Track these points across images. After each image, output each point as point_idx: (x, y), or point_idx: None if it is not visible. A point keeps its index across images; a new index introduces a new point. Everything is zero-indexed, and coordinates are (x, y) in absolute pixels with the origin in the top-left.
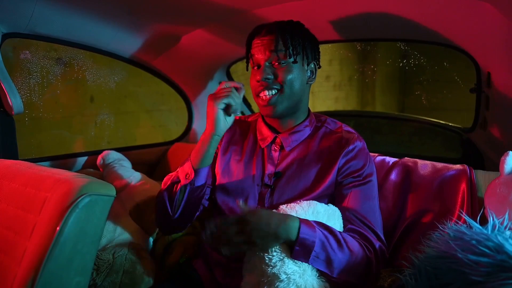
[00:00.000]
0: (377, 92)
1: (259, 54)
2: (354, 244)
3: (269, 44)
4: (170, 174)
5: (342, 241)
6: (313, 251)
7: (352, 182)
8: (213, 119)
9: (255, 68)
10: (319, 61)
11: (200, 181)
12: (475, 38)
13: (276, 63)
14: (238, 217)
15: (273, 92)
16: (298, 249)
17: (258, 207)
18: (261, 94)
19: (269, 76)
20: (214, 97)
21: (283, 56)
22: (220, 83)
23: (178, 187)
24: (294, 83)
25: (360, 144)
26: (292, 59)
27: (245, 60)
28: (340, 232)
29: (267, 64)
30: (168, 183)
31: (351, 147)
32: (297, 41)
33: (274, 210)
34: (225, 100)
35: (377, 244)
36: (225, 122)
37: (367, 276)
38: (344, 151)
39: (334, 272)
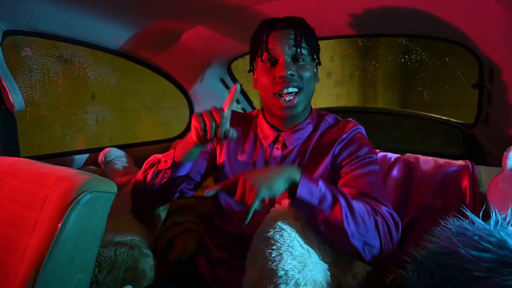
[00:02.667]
0: (379, 89)
1: (278, 48)
2: (358, 202)
3: (291, 39)
4: (155, 155)
5: (345, 194)
6: (319, 189)
7: (350, 164)
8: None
9: (268, 64)
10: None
11: (182, 172)
12: (477, 33)
13: (296, 60)
14: (237, 182)
15: (295, 90)
16: (302, 188)
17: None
18: (284, 93)
19: (294, 73)
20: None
21: (304, 53)
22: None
23: (156, 169)
24: (312, 82)
25: (355, 129)
26: (310, 57)
27: (245, 57)
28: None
29: (288, 59)
30: (150, 163)
31: (345, 134)
32: (314, 39)
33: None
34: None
35: (383, 209)
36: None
37: (385, 238)
38: (339, 138)
39: (348, 220)
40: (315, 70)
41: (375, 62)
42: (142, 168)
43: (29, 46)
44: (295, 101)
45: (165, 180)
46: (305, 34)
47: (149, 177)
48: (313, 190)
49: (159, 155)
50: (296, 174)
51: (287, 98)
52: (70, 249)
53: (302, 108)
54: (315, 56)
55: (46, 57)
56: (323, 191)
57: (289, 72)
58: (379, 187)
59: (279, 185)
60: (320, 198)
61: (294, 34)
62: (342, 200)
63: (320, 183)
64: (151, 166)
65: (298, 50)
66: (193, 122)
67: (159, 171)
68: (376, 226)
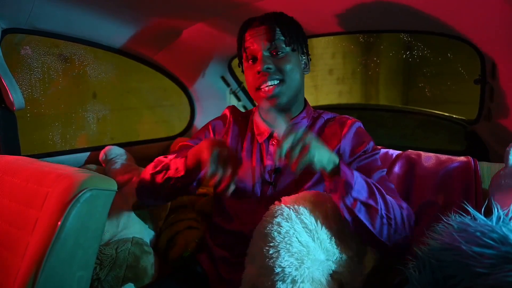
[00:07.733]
0: (381, 85)
1: (255, 45)
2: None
3: (266, 34)
4: (161, 158)
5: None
6: (355, 175)
7: (358, 159)
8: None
9: (250, 62)
10: (309, 54)
11: (194, 176)
12: (479, 28)
13: (275, 53)
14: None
15: (275, 82)
16: (344, 171)
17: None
18: (263, 86)
19: (270, 66)
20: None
21: (281, 45)
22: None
23: (166, 176)
24: (294, 73)
25: (356, 125)
26: (290, 48)
27: None
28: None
29: (266, 54)
30: (158, 168)
31: (347, 131)
32: (293, 29)
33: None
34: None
35: (402, 203)
36: None
37: (410, 227)
38: (341, 134)
39: (378, 203)
40: (302, 60)
41: (377, 58)
42: (147, 170)
43: (29, 44)
44: (274, 91)
45: (177, 185)
46: (280, 26)
47: (158, 181)
48: (350, 175)
49: (165, 159)
50: (336, 158)
51: (265, 89)
52: (71, 246)
53: (286, 99)
54: (296, 47)
55: (46, 55)
56: (359, 178)
57: (265, 66)
58: (388, 183)
59: (326, 158)
60: (356, 181)
61: (269, 28)
62: (375, 188)
63: (355, 172)
64: (159, 172)
65: (273, 43)
66: (205, 157)
67: (170, 178)
68: (402, 216)
